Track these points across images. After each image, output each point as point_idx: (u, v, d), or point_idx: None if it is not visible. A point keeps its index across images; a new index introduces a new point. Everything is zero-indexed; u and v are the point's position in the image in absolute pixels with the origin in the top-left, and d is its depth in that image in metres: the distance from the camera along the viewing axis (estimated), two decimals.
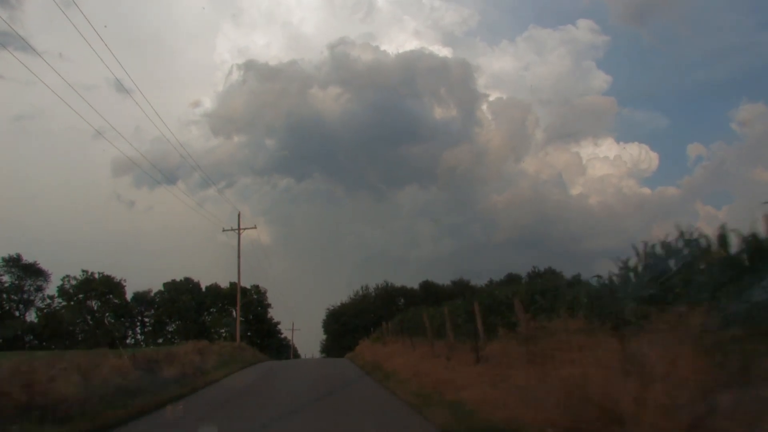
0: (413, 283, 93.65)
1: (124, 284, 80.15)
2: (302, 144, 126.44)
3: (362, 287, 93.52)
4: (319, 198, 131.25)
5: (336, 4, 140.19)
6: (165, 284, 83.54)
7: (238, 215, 44.51)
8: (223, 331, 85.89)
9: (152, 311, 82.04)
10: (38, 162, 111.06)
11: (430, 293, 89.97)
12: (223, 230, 45.13)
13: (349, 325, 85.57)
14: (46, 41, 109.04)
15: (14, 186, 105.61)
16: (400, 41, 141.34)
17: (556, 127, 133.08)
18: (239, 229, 43.63)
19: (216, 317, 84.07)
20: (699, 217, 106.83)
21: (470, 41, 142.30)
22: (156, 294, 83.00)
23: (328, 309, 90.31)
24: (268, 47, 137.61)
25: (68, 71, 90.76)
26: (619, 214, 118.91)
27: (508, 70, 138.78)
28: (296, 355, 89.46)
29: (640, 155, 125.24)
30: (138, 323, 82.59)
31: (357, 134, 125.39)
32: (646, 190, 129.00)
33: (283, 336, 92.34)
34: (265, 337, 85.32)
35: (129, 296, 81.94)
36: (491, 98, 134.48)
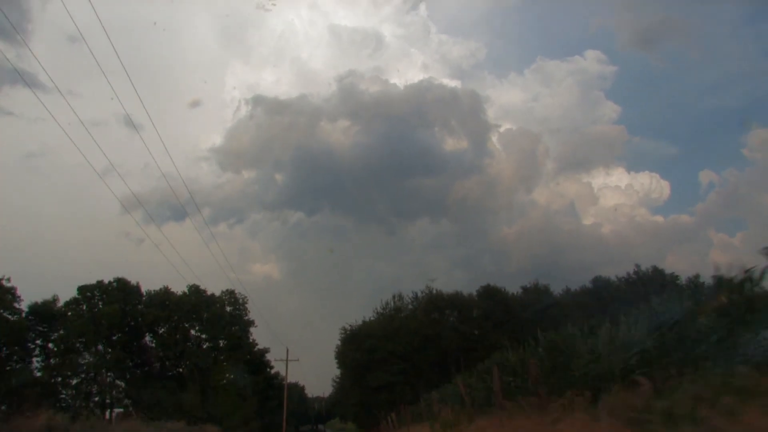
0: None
1: (17, 294, 48.72)
2: (312, 178, 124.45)
3: (395, 296, 61.96)
4: (329, 232, 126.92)
5: (344, 40, 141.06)
6: (81, 288, 51.59)
7: None
8: (184, 364, 54.19)
9: (59, 332, 49.96)
10: (48, 199, 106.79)
11: (497, 303, 59.42)
12: None
13: (378, 353, 53.77)
14: (54, 78, 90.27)
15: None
16: (409, 76, 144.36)
17: (567, 157, 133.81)
18: None
19: (165, 339, 52.20)
20: (713, 244, 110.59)
21: (478, 74, 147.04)
22: (67, 304, 51.31)
23: (344, 329, 58.37)
24: (278, 83, 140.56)
25: (77, 108, 71.79)
26: (633, 243, 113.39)
27: (517, 101, 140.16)
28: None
29: (651, 184, 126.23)
30: (36, 351, 50.76)
31: (367, 167, 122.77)
32: (659, 218, 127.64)
33: (274, 371, 60.14)
34: (244, 372, 53.34)
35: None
36: (501, 129, 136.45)
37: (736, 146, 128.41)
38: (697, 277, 66.95)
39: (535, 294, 63.16)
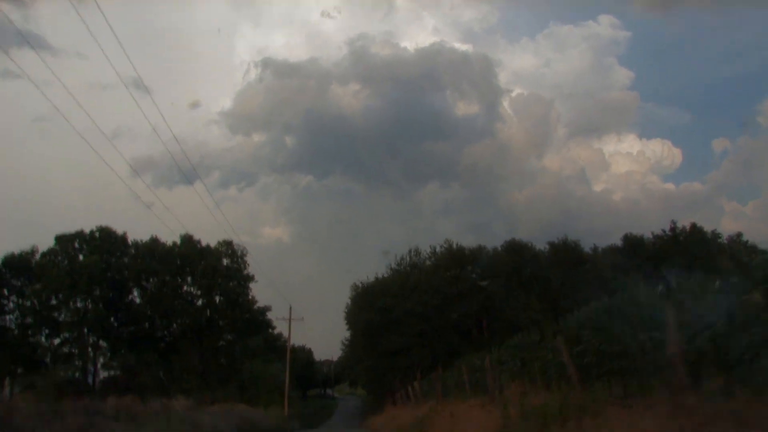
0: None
1: None
2: (322, 141, 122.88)
3: (411, 251, 55.85)
4: (340, 196, 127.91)
5: (355, 3, 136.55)
6: (59, 238, 45.72)
7: None
8: (176, 323, 48.60)
9: (34, 286, 44.32)
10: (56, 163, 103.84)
11: (523, 261, 53.29)
12: None
13: (394, 313, 47.80)
14: (62, 40, 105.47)
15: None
16: (420, 39, 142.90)
17: (579, 123, 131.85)
18: None
19: (154, 295, 46.52)
20: (724, 212, 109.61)
21: (490, 38, 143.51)
22: (44, 255, 45.56)
23: (355, 287, 52.37)
24: (287, 46, 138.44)
25: (85, 70, 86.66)
26: (644, 211, 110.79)
27: (529, 66, 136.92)
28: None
29: (663, 151, 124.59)
30: (13, 308, 45.26)
31: (377, 130, 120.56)
32: (671, 186, 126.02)
33: (276, 331, 54.43)
34: (243, 332, 47.77)
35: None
36: (513, 94, 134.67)
37: (750, 114, 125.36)
38: (740, 235, 60.78)
39: (564, 251, 56.92)
